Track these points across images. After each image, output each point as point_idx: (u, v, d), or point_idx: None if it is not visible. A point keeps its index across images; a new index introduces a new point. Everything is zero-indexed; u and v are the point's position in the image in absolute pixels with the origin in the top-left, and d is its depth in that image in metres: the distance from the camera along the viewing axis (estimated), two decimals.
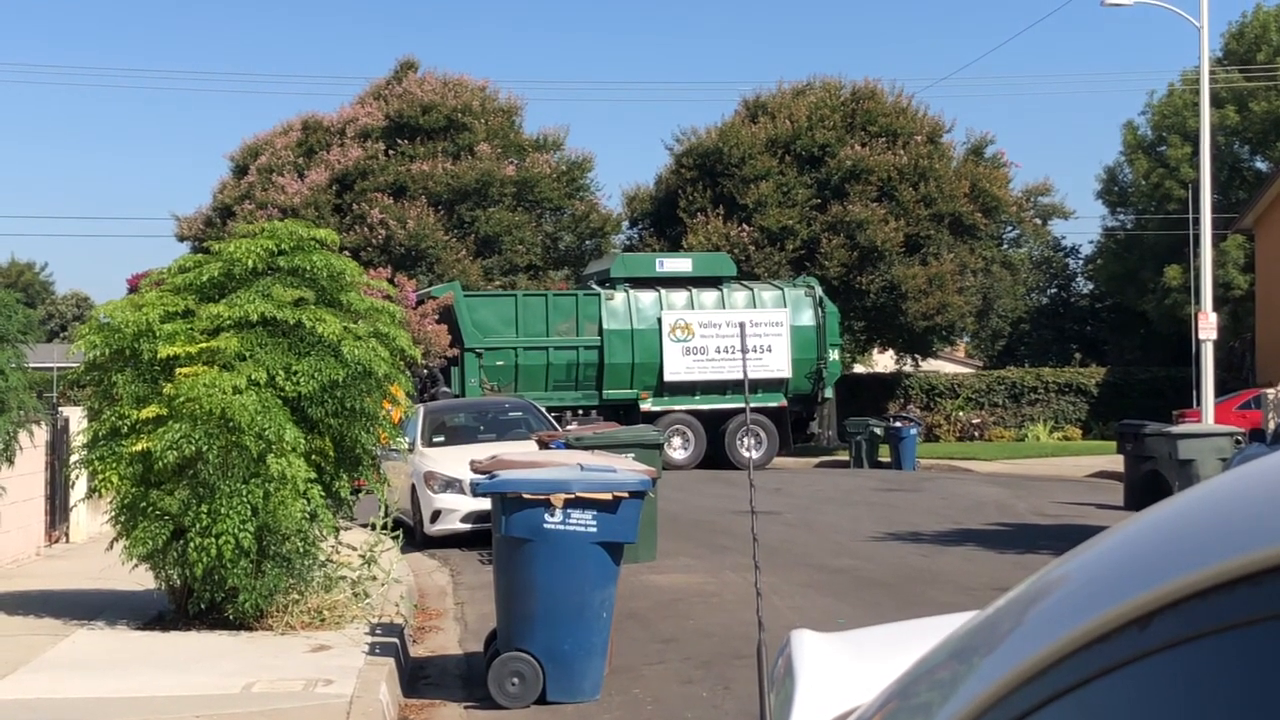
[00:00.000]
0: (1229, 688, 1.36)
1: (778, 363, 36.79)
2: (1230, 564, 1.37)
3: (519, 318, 36.01)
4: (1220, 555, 1.40)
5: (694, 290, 37.17)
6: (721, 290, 37.48)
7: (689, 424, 36.27)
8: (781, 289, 38.30)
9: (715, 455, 35.51)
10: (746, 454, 35.80)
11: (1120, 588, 1.52)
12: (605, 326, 36.17)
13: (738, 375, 35.89)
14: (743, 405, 36.30)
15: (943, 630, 2.20)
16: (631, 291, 36.82)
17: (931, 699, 1.91)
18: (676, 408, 36.38)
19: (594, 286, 37.98)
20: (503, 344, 35.50)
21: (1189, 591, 1.41)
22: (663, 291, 36.97)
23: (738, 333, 36.11)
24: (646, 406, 36.09)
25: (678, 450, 35.76)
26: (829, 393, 38.31)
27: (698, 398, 36.39)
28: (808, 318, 37.56)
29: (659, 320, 36.51)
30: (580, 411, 35.17)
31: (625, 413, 34.64)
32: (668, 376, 36.29)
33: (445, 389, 34.12)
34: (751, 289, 38.06)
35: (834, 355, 38.25)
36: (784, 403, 37.16)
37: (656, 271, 37.82)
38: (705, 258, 39.64)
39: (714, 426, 35.99)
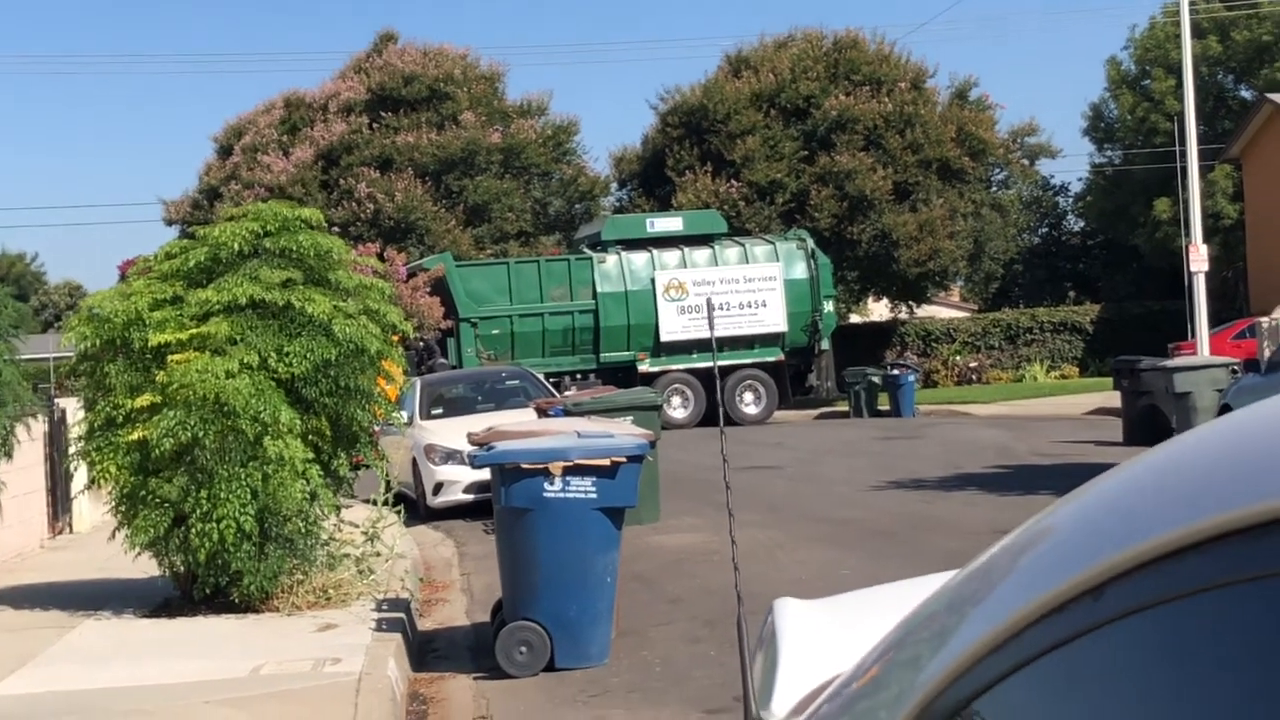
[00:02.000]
0: (1177, 657, 1.36)
1: (773, 317, 36.82)
2: (1175, 533, 1.37)
3: (512, 286, 36.00)
4: (1165, 525, 1.40)
5: (686, 249, 37.17)
6: (713, 247, 37.47)
7: (688, 383, 36.28)
8: (773, 243, 38.29)
9: (715, 413, 35.52)
10: (744, 409, 36.04)
11: (1079, 556, 1.52)
12: (599, 290, 36.17)
13: (733, 332, 35.93)
14: (741, 362, 36.41)
15: (926, 589, 2.20)
16: (624, 253, 36.82)
17: (922, 652, 1.90)
18: (674, 367, 36.40)
19: (586, 250, 37.97)
20: (497, 313, 35.51)
21: (1140, 560, 1.41)
22: (655, 252, 36.97)
23: (732, 289, 36.16)
24: (644, 368, 36.10)
25: (678, 410, 35.81)
26: (826, 344, 38.33)
27: (695, 356, 36.38)
28: (800, 270, 37.58)
29: (652, 281, 36.50)
30: (578, 376, 35.19)
31: (623, 375, 34.61)
32: (664, 336, 36.29)
33: (442, 360, 34.15)
34: (743, 245, 38.06)
35: (829, 307, 38.27)
36: (781, 357, 37.20)
37: (647, 232, 37.83)
38: (696, 216, 39.63)
39: (713, 383, 35.96)
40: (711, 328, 5.14)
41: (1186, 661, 1.36)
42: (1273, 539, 1.29)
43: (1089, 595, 1.46)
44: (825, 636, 2.92)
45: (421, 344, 34.32)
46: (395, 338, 13.00)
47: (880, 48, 49.31)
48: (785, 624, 3.03)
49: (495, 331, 35.41)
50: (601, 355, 36.20)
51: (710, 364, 35.52)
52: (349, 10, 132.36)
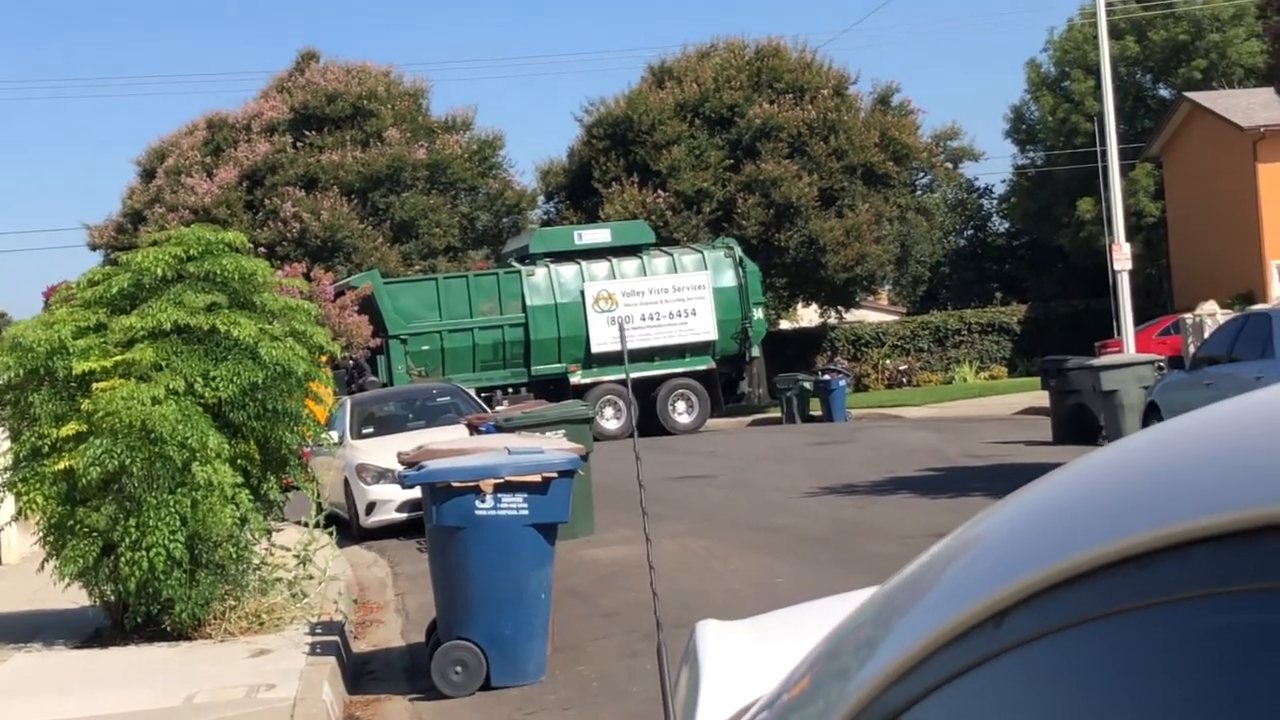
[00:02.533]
0: (1081, 684, 1.38)
1: (703, 325, 36.93)
2: (1079, 557, 1.39)
3: (441, 301, 35.94)
4: (1069, 549, 1.41)
5: (614, 260, 37.22)
6: (642, 258, 37.54)
7: (620, 393, 36.31)
8: (701, 252, 38.41)
9: (648, 423, 35.52)
10: (677, 418, 36.09)
11: (983, 581, 1.54)
12: (529, 303, 36.16)
13: (664, 341, 36.02)
14: (672, 371, 36.50)
15: (848, 606, 2.22)
16: (552, 266, 36.82)
17: (851, 664, 1.91)
18: (606, 378, 36.42)
19: (514, 264, 37.93)
20: (427, 329, 35.43)
21: (1040, 586, 1.43)
22: (583, 263, 36.99)
23: (661, 299, 36.25)
24: (576, 380, 36.12)
25: (610, 420, 35.84)
26: (756, 351, 38.46)
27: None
28: (729, 278, 37.71)
29: (582, 293, 36.53)
30: (510, 390, 35.16)
31: (555, 387, 34.62)
32: (595, 348, 36.30)
33: (373, 379, 34.00)
34: (671, 254, 38.15)
35: (758, 314, 38.42)
36: (712, 365, 37.32)
37: (576, 244, 37.85)
38: (623, 227, 39.68)
39: (644, 394, 36.01)
40: (624, 344, 5.14)
41: (1087, 688, 1.38)
42: (1159, 568, 1.31)
43: (991, 623, 1.48)
44: (747, 658, 2.93)
45: (351, 363, 34.12)
46: (324, 358, 12.95)
47: (802, 55, 49.57)
48: (707, 646, 3.03)
49: (425, 348, 35.33)
50: (533, 368, 36.18)
51: (642, 374, 35.54)
52: (270, 30, 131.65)
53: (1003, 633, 1.46)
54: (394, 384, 33.02)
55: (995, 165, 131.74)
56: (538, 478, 9.72)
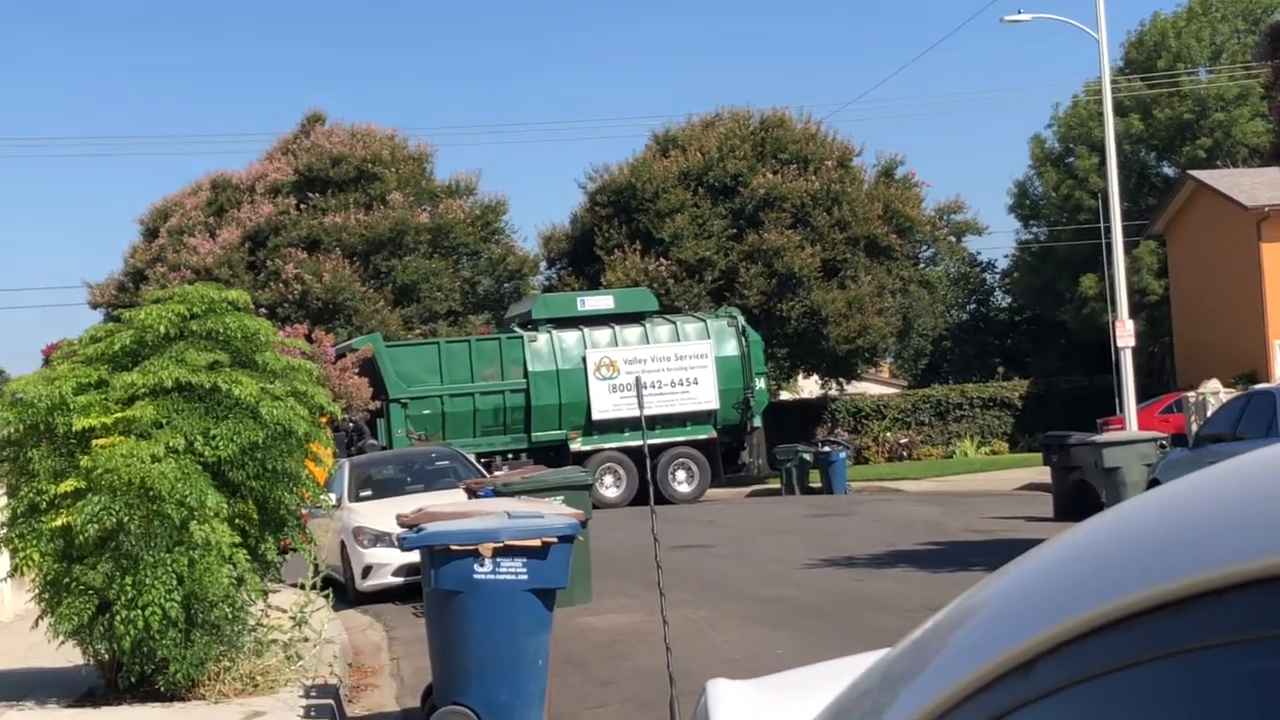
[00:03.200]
0: None
1: (705, 394, 36.90)
2: (1111, 605, 1.36)
3: (443, 365, 35.95)
4: (1096, 599, 1.39)
5: (617, 327, 37.24)
6: (645, 325, 37.57)
7: (620, 461, 36.28)
8: (704, 320, 38.44)
9: (648, 491, 35.41)
10: (677, 488, 36.01)
11: (1010, 631, 1.51)
12: (530, 369, 36.15)
13: (665, 410, 35.96)
14: (673, 440, 36.42)
15: (855, 671, 2.18)
16: (555, 332, 36.85)
17: None
18: (607, 446, 36.38)
19: (517, 329, 37.95)
20: (428, 393, 35.43)
21: (1068, 635, 1.40)
22: (586, 330, 37.02)
23: (664, 367, 36.21)
24: (576, 446, 36.06)
25: (610, 489, 35.82)
26: (758, 421, 38.41)
27: (627, 435, 36.35)
28: (732, 348, 37.73)
29: (584, 359, 36.54)
30: (510, 455, 35.12)
31: (555, 454, 34.57)
32: (596, 415, 36.27)
33: (372, 441, 33.94)
34: (674, 322, 38.18)
35: (760, 384, 38.42)
36: (713, 434, 37.27)
37: (578, 310, 37.89)
38: (626, 294, 39.74)
39: (645, 463, 35.82)
40: (641, 405, 5.10)
41: None
42: (1193, 615, 1.29)
43: (1020, 671, 1.45)
44: (758, 717, 2.88)
45: (351, 425, 34.09)
46: (324, 419, 12.91)
47: (807, 126, 49.80)
48: (718, 706, 2.99)
49: (426, 411, 35.30)
50: (533, 434, 36.13)
51: (642, 442, 35.42)
52: (276, 92, 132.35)
53: (1032, 681, 1.43)
54: (393, 447, 32.96)
55: (998, 240, 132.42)
56: (537, 542, 9.66)
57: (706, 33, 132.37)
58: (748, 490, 39.32)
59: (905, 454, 48.70)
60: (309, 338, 27.36)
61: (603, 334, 37.08)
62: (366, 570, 19.62)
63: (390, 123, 72.13)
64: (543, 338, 36.71)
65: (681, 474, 36.75)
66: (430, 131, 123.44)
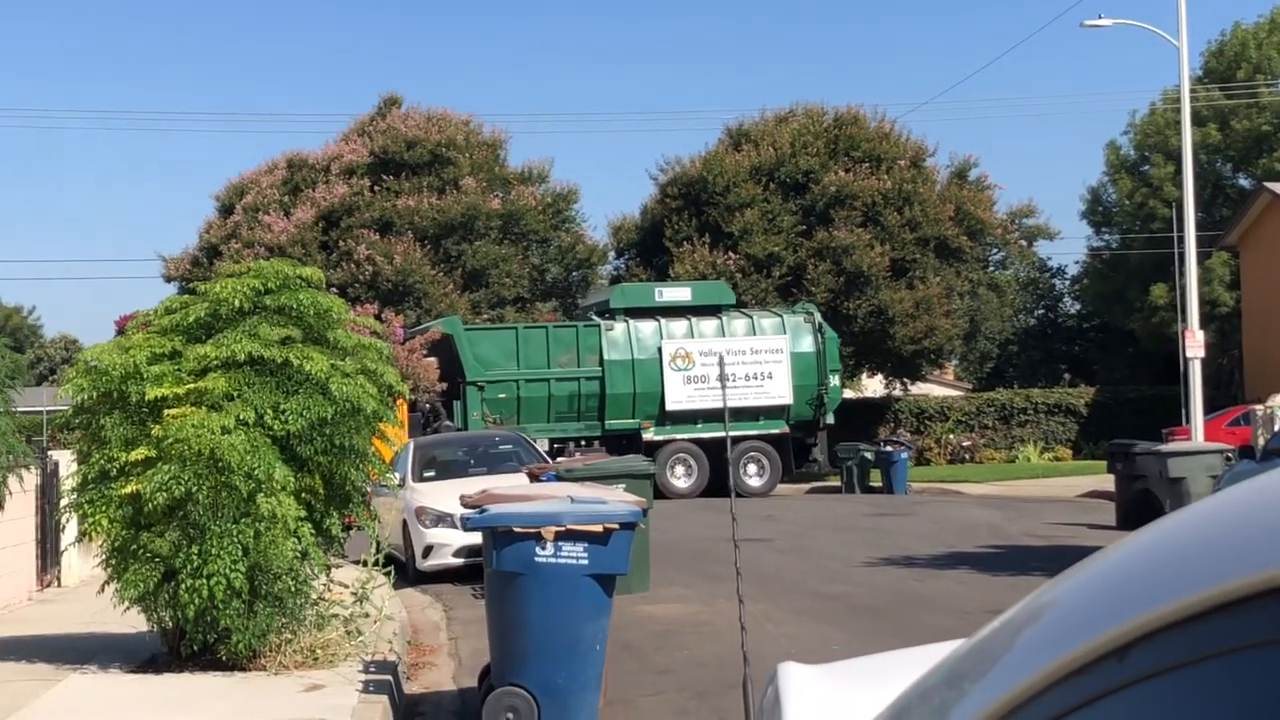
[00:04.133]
0: (1211, 716, 1.36)
1: (779, 389, 36.87)
2: (1205, 593, 1.37)
3: (520, 350, 36.11)
4: (1195, 585, 1.40)
5: (693, 319, 37.28)
6: (721, 318, 37.57)
7: (692, 452, 36.34)
8: (781, 316, 38.39)
9: (719, 483, 35.47)
10: (748, 481, 35.99)
11: (1101, 617, 1.52)
12: (606, 357, 36.26)
13: (739, 403, 35.94)
14: (746, 433, 36.39)
15: (930, 660, 2.20)
16: (631, 322, 36.93)
17: None
18: (679, 436, 36.45)
19: (594, 318, 38.07)
20: (504, 376, 35.60)
21: (1166, 622, 1.41)
22: (662, 321, 37.09)
23: (739, 360, 36.17)
24: (649, 436, 36.14)
25: (681, 479, 35.94)
26: (830, 418, 38.32)
27: (700, 426, 36.41)
28: (808, 344, 37.65)
29: (659, 350, 36.60)
30: (583, 442, 35.24)
31: (628, 442, 34.71)
32: (669, 405, 36.35)
33: (448, 423, 34.23)
34: (751, 316, 38.17)
35: (834, 381, 38.34)
36: (786, 429, 37.23)
37: (656, 301, 37.95)
38: (704, 286, 39.76)
39: (717, 454, 35.88)
40: (724, 381, 5.11)
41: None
42: None
43: (1114, 656, 1.46)
44: (830, 701, 2.91)
45: (428, 406, 34.49)
46: (400, 401, 13.00)
47: (881, 125, 49.61)
48: (790, 688, 3.01)
49: (502, 395, 35.48)
50: (606, 422, 36.23)
51: (714, 434, 35.47)
52: (353, 74, 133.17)
53: (1127, 665, 1.44)
54: (468, 429, 33.18)
55: (1069, 245, 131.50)
56: (599, 528, 9.69)
57: (782, 29, 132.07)
58: (807, 487, 39.24)
59: (967, 457, 48.44)
60: (378, 318, 27.52)
61: (679, 325, 37.12)
62: (427, 550, 19.75)
63: (466, 108, 72.44)
64: (619, 327, 36.81)
65: (753, 468, 36.73)
66: (504, 118, 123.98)
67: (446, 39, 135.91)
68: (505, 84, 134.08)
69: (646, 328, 36.92)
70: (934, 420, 49.98)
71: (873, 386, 54.40)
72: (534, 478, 18.18)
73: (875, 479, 36.92)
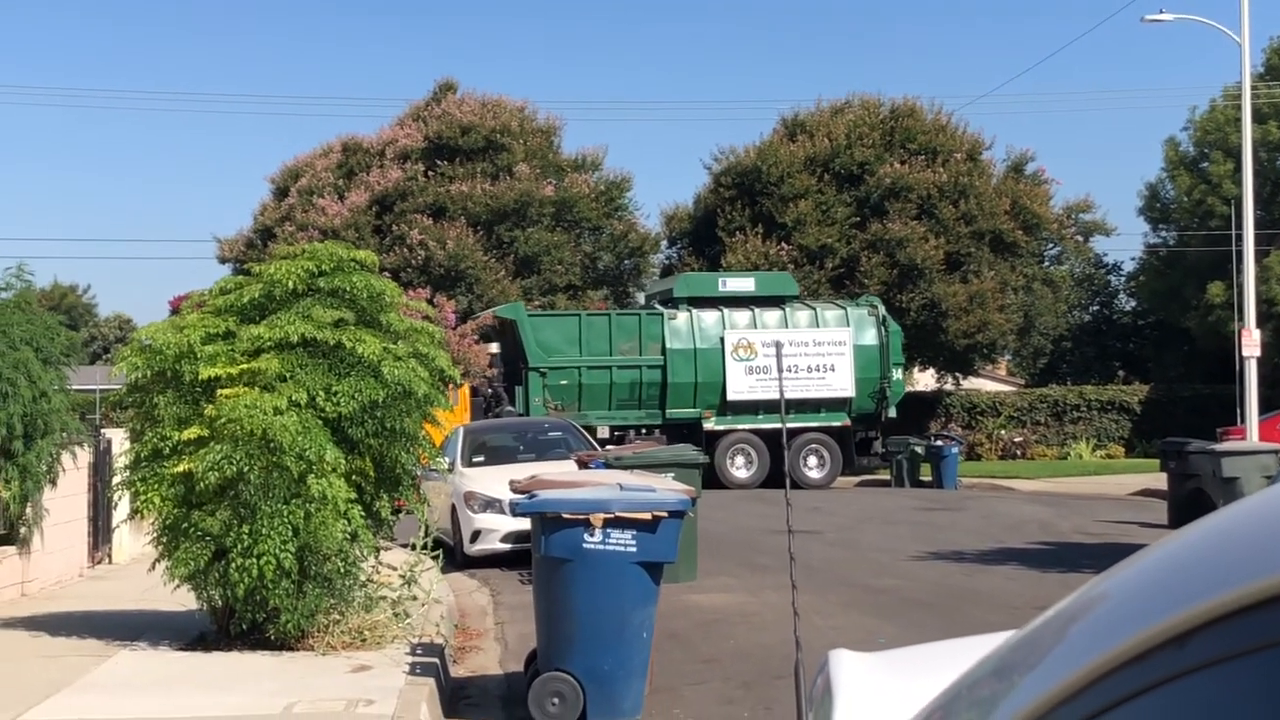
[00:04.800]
0: (1269, 706, 1.34)
1: (841, 382, 36.78)
2: (1266, 581, 1.35)
3: (583, 337, 36.16)
4: (1258, 573, 1.38)
5: (756, 309, 37.22)
6: (784, 309, 37.49)
7: (752, 443, 36.32)
8: (844, 308, 38.28)
9: (778, 474, 35.41)
10: (808, 473, 35.94)
11: (1159, 606, 1.51)
12: (668, 346, 36.27)
13: (801, 395, 35.90)
14: (806, 425, 36.33)
15: (982, 649, 2.18)
16: (694, 311, 36.91)
17: (973, 717, 1.89)
18: (740, 427, 36.42)
19: (657, 306, 38.10)
20: (566, 363, 35.66)
21: (1227, 610, 1.39)
22: (725, 311, 37.06)
23: (801, 352, 36.09)
24: (710, 426, 36.15)
25: (741, 469, 35.97)
26: (893, 412, 38.16)
27: (760, 417, 36.40)
28: (871, 337, 37.53)
29: (722, 340, 36.58)
30: (644, 430, 35.32)
31: (689, 431, 34.79)
32: (731, 396, 36.33)
33: (509, 408, 34.40)
34: (814, 308, 38.09)
35: (897, 374, 38.20)
36: (847, 421, 37.14)
37: (719, 291, 37.94)
38: (768, 277, 39.70)
39: (777, 445, 35.79)
40: (780, 369, 5.08)
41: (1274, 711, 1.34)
42: None
43: (1173, 644, 1.44)
44: (881, 689, 2.89)
45: (490, 391, 34.65)
46: (464, 385, 13.02)
47: (937, 117, 49.37)
48: (841, 675, 3.00)
49: (563, 382, 35.54)
50: (668, 411, 36.24)
51: (775, 425, 35.43)
52: (409, 58, 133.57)
53: (1187, 653, 1.42)
54: (529, 415, 33.31)
55: (1126, 242, 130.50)
56: (648, 516, 9.69)
57: (839, 20, 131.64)
58: (857, 480, 39.15)
59: (1018, 453, 48.20)
60: (430, 303, 27.61)
61: (742, 315, 37.08)
62: (475, 535, 19.81)
63: (520, 94, 72.55)
64: (682, 316, 36.81)
65: (813, 460, 36.66)
66: (559, 105, 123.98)
67: (503, 25, 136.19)
68: (560, 71, 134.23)
69: (709, 317, 36.90)
70: (986, 415, 49.75)
71: (924, 380, 54.19)
72: (583, 465, 18.21)
73: (925, 473, 36.79)
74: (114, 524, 18.30)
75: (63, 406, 14.69)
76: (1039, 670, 1.73)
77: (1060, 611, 1.83)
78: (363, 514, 11.46)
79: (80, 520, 17.64)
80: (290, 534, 10.96)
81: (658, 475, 13.60)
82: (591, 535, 9.62)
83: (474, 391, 35.05)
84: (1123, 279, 65.92)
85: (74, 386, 15.93)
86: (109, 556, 18.97)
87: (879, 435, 38.41)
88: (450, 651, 12.42)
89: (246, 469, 10.92)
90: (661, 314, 36.89)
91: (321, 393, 11.34)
